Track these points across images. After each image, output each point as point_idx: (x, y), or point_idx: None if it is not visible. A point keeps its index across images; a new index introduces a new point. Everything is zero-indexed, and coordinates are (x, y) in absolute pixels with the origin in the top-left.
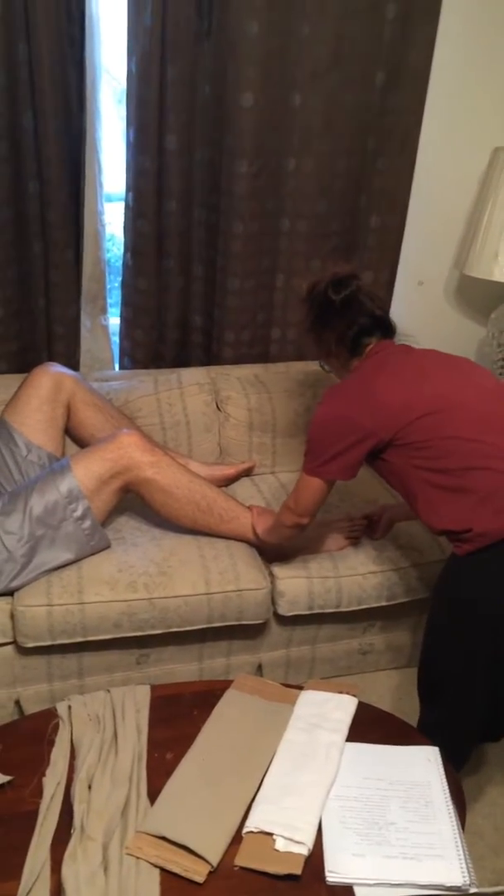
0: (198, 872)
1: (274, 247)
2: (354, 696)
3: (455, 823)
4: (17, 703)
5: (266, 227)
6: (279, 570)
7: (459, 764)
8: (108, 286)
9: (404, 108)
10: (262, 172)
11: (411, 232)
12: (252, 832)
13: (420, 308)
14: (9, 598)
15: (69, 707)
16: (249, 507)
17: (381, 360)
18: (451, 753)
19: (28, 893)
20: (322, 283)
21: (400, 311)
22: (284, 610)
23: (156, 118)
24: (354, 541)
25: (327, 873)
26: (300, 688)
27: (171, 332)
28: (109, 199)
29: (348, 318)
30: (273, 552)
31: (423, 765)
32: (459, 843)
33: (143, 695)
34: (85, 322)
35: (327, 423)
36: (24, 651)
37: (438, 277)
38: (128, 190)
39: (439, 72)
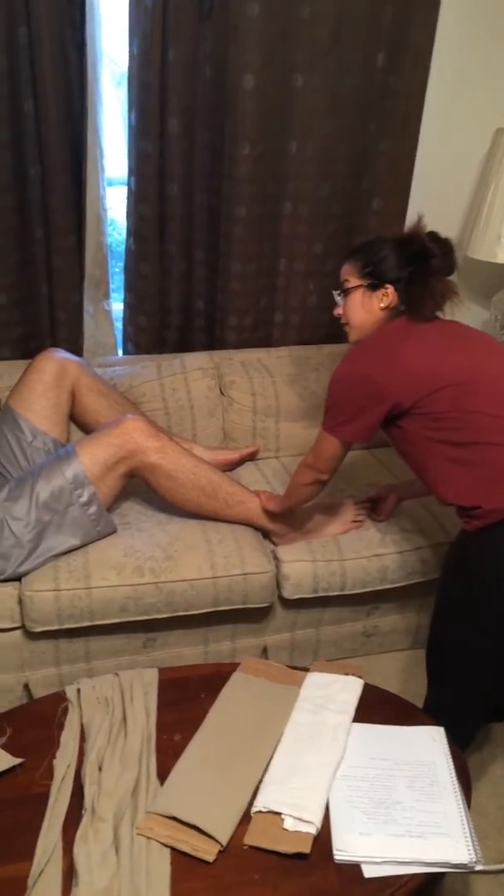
0: (207, 852)
1: (276, 230)
2: (360, 677)
3: (461, 802)
4: (26, 686)
5: (268, 210)
6: (284, 554)
7: (465, 743)
8: (110, 271)
9: (406, 89)
10: (263, 155)
11: (413, 215)
12: (261, 812)
13: None
14: (16, 584)
15: (78, 690)
16: (257, 493)
17: (406, 324)
18: (457, 733)
19: (40, 874)
20: (419, 234)
21: None
22: (289, 593)
23: (157, 101)
24: (358, 524)
25: (335, 852)
26: (306, 670)
27: (173, 317)
28: (111, 184)
29: (445, 270)
30: (282, 529)
31: (428, 745)
32: (465, 822)
33: (151, 678)
34: (88, 307)
35: (348, 382)
36: (31, 635)
37: None
38: (129, 174)
39: (441, 53)
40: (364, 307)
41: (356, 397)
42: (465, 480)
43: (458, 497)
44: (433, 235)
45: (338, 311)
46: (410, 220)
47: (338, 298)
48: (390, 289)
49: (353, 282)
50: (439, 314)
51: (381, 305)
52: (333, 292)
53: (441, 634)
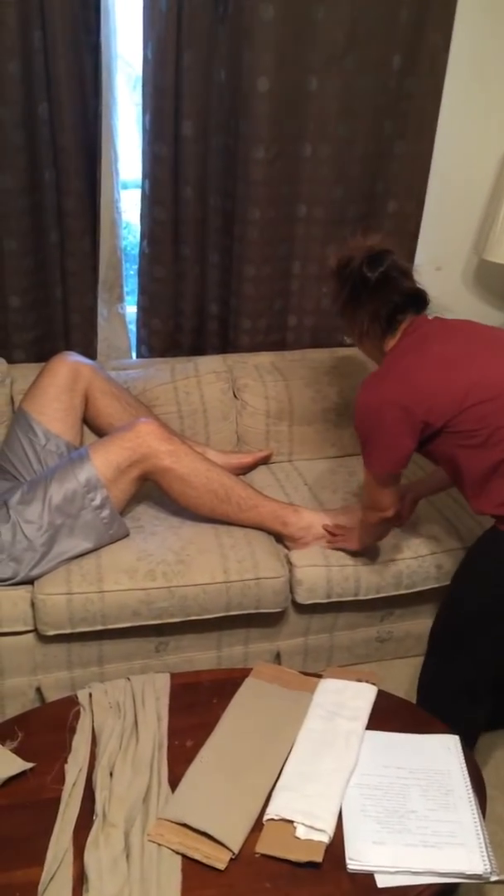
0: (219, 859)
1: (290, 233)
2: (374, 684)
3: (476, 812)
4: (38, 690)
5: (282, 213)
6: (297, 559)
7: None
8: (126, 274)
9: (422, 90)
10: (277, 158)
11: (429, 217)
12: (273, 819)
13: (438, 294)
14: (29, 587)
15: (90, 694)
16: (333, 530)
17: (419, 341)
18: (447, 717)
19: (51, 879)
20: (356, 259)
21: None
22: (302, 598)
23: (171, 104)
24: None
25: (348, 861)
26: (319, 676)
27: (187, 321)
28: (125, 187)
29: (384, 296)
30: (297, 534)
31: (443, 753)
32: (480, 832)
33: (162, 683)
34: (102, 311)
35: (373, 412)
36: (44, 639)
37: (457, 262)
38: (144, 177)
39: (457, 54)
40: (360, 344)
41: (386, 426)
42: (501, 490)
43: (496, 507)
44: (370, 256)
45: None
46: (426, 222)
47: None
48: (359, 321)
49: (346, 324)
50: (447, 315)
51: (364, 336)
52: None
53: (457, 607)
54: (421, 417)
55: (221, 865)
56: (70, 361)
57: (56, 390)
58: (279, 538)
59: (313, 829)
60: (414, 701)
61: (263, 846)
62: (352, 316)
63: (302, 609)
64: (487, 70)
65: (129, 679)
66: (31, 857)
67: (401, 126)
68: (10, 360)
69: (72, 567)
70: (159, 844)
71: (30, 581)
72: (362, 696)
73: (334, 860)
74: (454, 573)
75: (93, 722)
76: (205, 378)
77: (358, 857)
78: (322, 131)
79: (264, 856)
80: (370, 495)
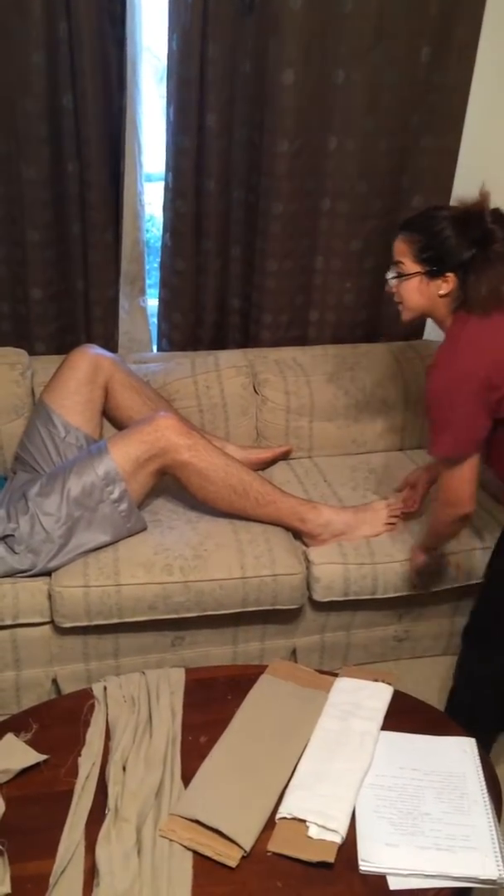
0: (230, 857)
1: (313, 228)
2: (390, 684)
3: (490, 815)
4: (55, 681)
5: (305, 207)
6: (315, 556)
7: (492, 720)
8: (147, 267)
9: (450, 84)
10: (302, 151)
11: None
12: (285, 818)
13: None
14: (46, 579)
15: (104, 688)
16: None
17: (483, 316)
18: (490, 706)
19: (62, 872)
20: (490, 221)
21: None
22: (319, 595)
23: (196, 96)
24: (391, 527)
25: (360, 862)
26: (335, 674)
27: (208, 315)
28: (149, 179)
29: (492, 271)
30: (316, 530)
31: (458, 756)
32: (495, 836)
33: (177, 678)
34: (123, 304)
35: (452, 385)
36: (61, 631)
37: None
38: (167, 170)
39: (487, 46)
40: (422, 293)
41: (462, 400)
42: None
43: None
44: (497, 214)
45: (390, 289)
46: None
47: (391, 280)
48: (451, 276)
49: (410, 267)
50: None
51: (441, 293)
52: (387, 275)
53: (494, 611)
54: (496, 383)
55: (233, 863)
56: (91, 354)
57: (76, 383)
58: (297, 535)
59: (326, 829)
60: (429, 701)
61: (275, 845)
62: (470, 275)
63: (319, 606)
64: None
65: (143, 673)
66: (44, 850)
67: (428, 120)
68: (32, 352)
69: (89, 560)
70: (171, 840)
71: (47, 573)
72: (378, 697)
73: (346, 861)
74: (490, 566)
75: (107, 715)
76: (225, 372)
77: (370, 859)
78: (347, 125)
79: (276, 854)
80: (447, 489)
